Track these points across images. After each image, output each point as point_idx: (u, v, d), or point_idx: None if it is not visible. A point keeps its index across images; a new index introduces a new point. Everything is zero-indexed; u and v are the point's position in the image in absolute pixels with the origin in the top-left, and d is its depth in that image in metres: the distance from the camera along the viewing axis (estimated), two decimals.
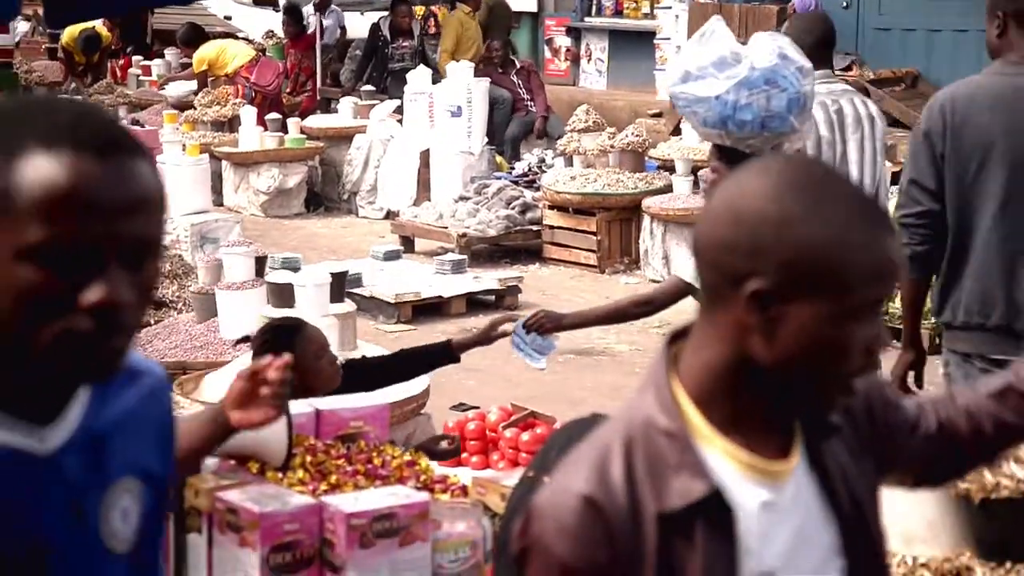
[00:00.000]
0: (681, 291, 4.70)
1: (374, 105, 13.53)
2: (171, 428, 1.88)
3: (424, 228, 11.37)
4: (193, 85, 14.82)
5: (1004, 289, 4.27)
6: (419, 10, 15.37)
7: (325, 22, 15.86)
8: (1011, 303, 4.26)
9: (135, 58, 17.52)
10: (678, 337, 1.84)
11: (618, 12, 16.37)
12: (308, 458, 3.28)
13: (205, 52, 14.90)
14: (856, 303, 1.71)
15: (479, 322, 8.77)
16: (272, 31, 16.78)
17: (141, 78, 16.65)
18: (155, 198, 1.61)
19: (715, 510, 1.72)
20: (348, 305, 6.89)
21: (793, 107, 4.37)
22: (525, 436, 5.01)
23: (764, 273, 1.70)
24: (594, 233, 10.80)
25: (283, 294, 6.56)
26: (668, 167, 11.17)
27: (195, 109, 13.87)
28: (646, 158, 11.27)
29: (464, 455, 4.87)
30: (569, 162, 11.49)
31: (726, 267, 1.72)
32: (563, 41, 16.58)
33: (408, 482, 3.25)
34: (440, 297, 9.50)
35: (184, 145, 10.97)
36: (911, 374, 4.55)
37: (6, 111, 1.61)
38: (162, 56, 17.18)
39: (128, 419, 1.76)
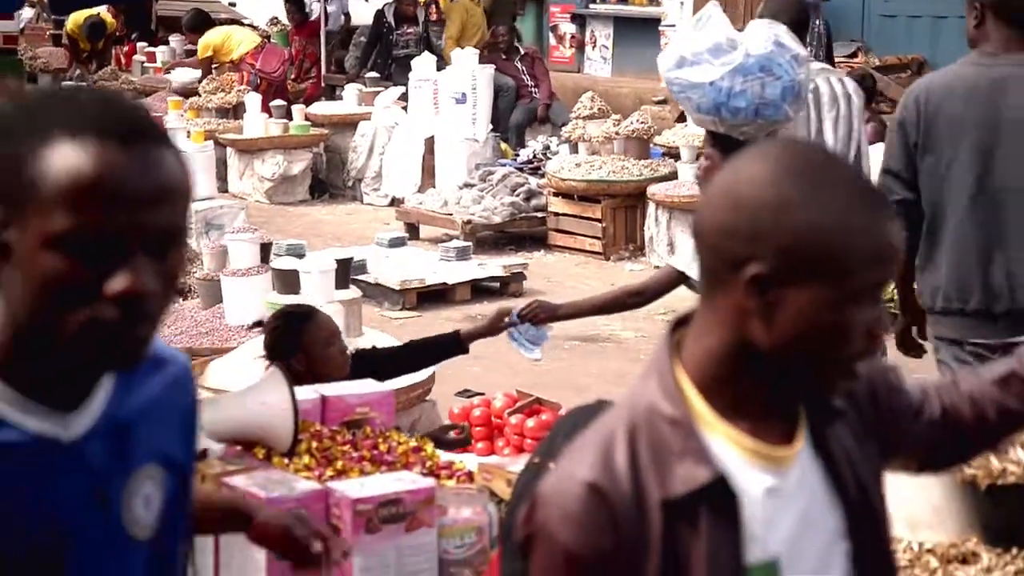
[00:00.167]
0: (674, 280, 4.72)
1: (379, 92, 13.51)
2: (194, 416, 1.89)
3: (429, 215, 11.35)
4: (198, 72, 14.79)
5: (980, 275, 4.34)
6: None
7: (329, 8, 15.83)
8: (987, 288, 4.33)
9: (140, 45, 17.46)
10: (681, 324, 1.84)
11: None
12: (314, 444, 3.29)
13: (210, 39, 14.87)
14: (856, 287, 1.71)
15: (484, 309, 8.78)
16: (276, 18, 16.76)
17: (146, 65, 16.61)
18: (180, 187, 1.61)
19: (719, 496, 1.73)
20: (353, 292, 6.88)
21: (787, 95, 4.37)
22: (530, 422, 5.03)
23: (763, 258, 1.70)
24: (599, 220, 10.79)
25: (288, 280, 6.56)
26: (673, 154, 11.16)
27: (200, 96, 13.86)
28: (651, 145, 11.26)
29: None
30: (574, 149, 11.47)
31: (726, 252, 1.73)
32: (568, 28, 16.53)
33: (414, 468, 3.26)
34: (445, 284, 9.49)
35: (189, 132, 10.97)
36: (914, 329, 4.65)
37: (32, 101, 1.61)
38: (167, 43, 17.13)
39: (152, 407, 1.77)
